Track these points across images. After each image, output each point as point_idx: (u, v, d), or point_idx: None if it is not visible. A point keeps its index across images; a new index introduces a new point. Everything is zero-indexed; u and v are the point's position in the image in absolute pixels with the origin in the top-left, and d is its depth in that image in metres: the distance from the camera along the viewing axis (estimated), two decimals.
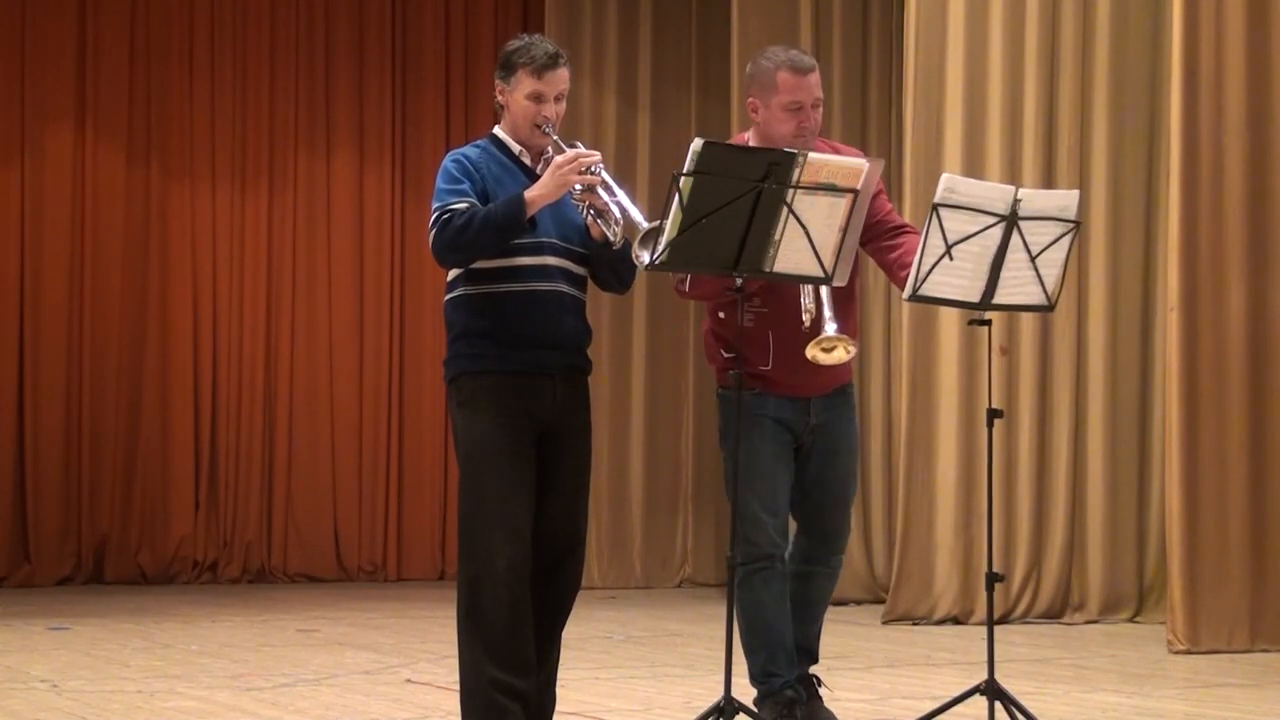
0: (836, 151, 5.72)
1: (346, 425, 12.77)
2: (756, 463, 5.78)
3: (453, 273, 5.27)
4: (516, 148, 5.32)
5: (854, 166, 5.30)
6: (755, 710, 5.63)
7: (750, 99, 5.86)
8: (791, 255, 5.27)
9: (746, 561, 5.76)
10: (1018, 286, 5.65)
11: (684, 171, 5.08)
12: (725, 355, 5.81)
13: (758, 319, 5.76)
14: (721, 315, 5.83)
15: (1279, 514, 8.71)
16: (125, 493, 12.29)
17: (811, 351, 5.49)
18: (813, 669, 6.04)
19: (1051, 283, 5.68)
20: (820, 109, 5.84)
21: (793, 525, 6.02)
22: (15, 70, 12.15)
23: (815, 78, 5.81)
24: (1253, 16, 8.72)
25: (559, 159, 5.15)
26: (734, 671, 5.32)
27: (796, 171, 5.18)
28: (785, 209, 5.21)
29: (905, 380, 9.96)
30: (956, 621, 9.76)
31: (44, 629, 9.38)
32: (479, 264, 5.19)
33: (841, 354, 5.51)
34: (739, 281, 5.29)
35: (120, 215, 12.36)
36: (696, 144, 5.10)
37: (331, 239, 12.82)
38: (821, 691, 6.04)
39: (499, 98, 5.33)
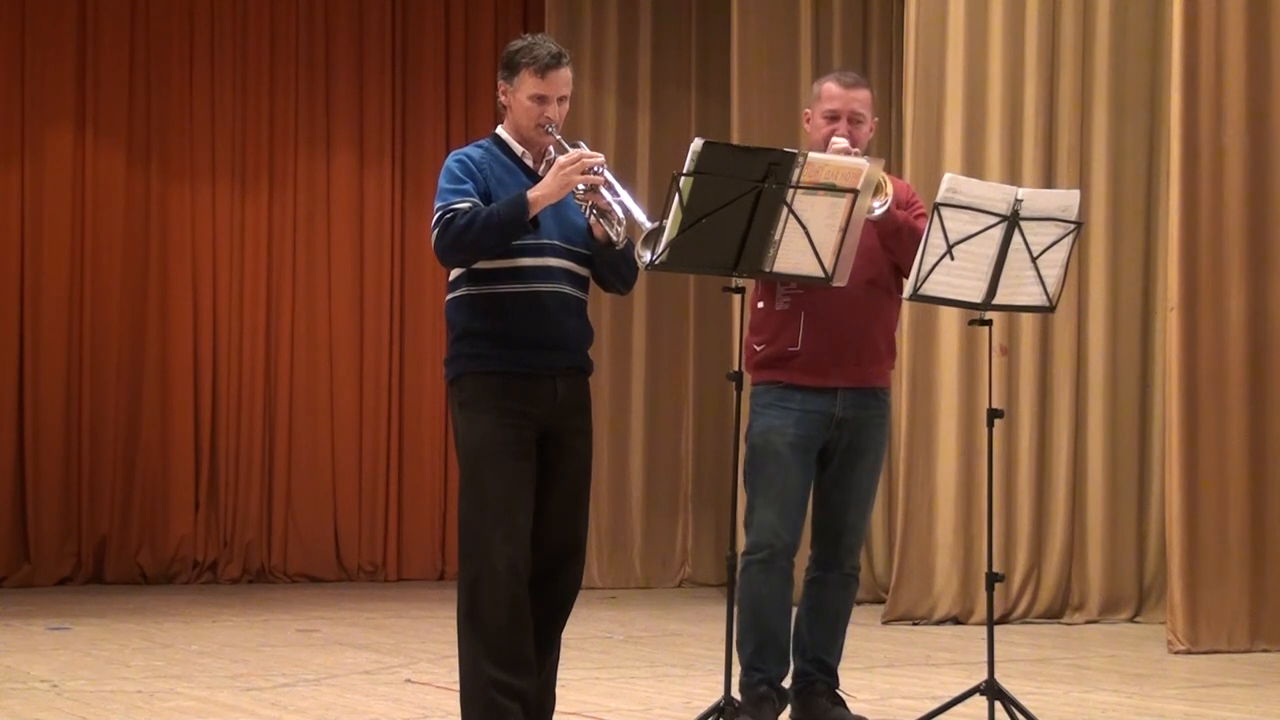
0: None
1: (346, 425, 12.77)
2: (774, 452, 5.80)
3: (455, 272, 5.27)
4: (519, 148, 5.32)
5: (854, 166, 5.32)
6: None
7: (805, 110, 6.09)
8: (791, 255, 5.28)
9: (749, 551, 5.82)
10: (1019, 287, 5.67)
11: (684, 171, 5.09)
12: (756, 348, 5.88)
13: (793, 300, 5.82)
14: (760, 305, 5.90)
15: (1279, 514, 8.71)
16: (125, 493, 12.29)
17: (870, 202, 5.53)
18: (840, 688, 6.04)
19: (1052, 283, 5.69)
20: (861, 126, 5.95)
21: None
22: (15, 71, 12.15)
23: (859, 94, 5.97)
24: (1253, 16, 8.72)
25: (562, 159, 5.15)
26: (734, 671, 5.32)
27: (796, 171, 5.19)
28: (785, 209, 5.21)
29: (905, 380, 9.95)
30: (956, 621, 9.76)
31: (44, 629, 9.38)
32: (481, 264, 5.18)
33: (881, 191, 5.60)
34: (735, 282, 5.31)
35: (120, 215, 12.36)
36: (696, 144, 5.11)
37: (331, 239, 12.82)
38: (849, 702, 6.06)
39: (502, 98, 5.33)
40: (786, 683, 5.93)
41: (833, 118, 5.92)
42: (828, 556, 5.99)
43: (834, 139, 5.83)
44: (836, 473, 5.94)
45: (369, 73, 12.90)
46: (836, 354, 5.83)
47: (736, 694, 5.38)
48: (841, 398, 5.88)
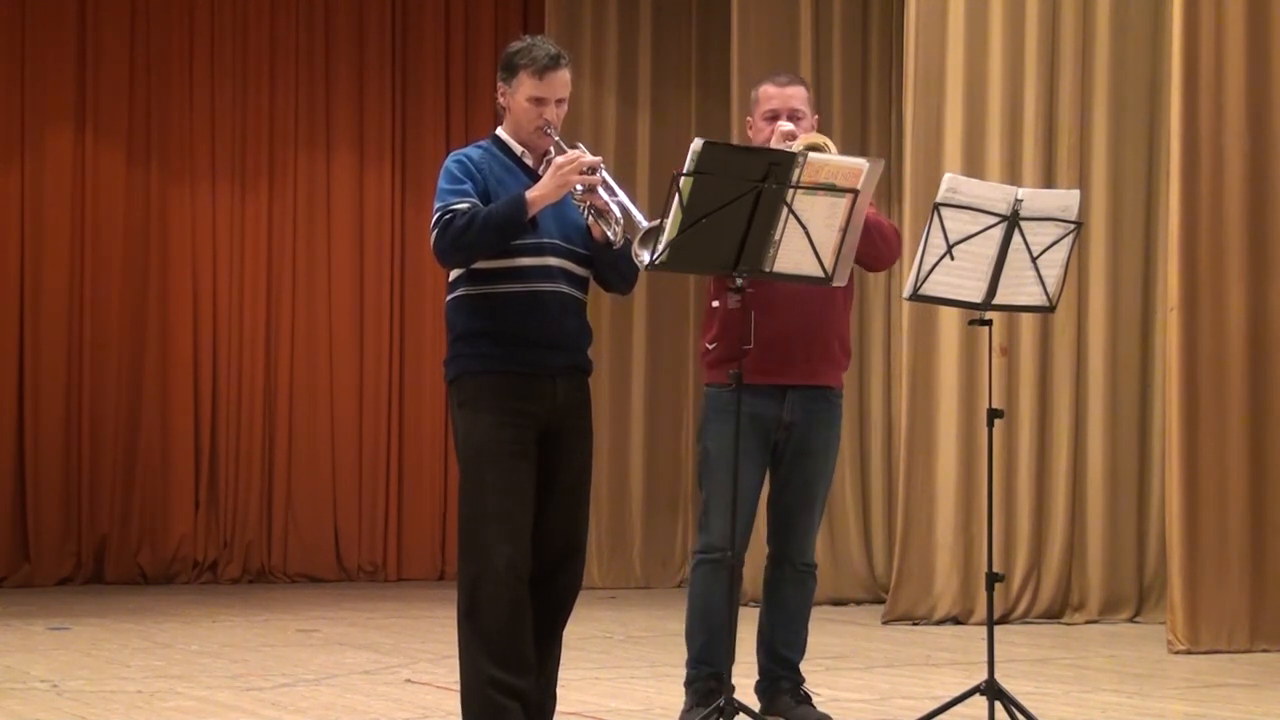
0: None
1: (346, 425, 12.77)
2: (724, 458, 5.83)
3: (454, 273, 5.27)
4: (519, 149, 5.32)
5: (854, 166, 5.32)
6: (753, 710, 5.64)
7: (747, 118, 6.17)
8: (791, 255, 5.28)
9: (703, 550, 5.92)
10: (1019, 287, 5.66)
11: (684, 171, 5.09)
12: (709, 346, 5.91)
13: (744, 298, 5.84)
14: (715, 304, 5.97)
15: (1279, 514, 8.71)
16: (125, 493, 12.29)
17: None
18: (805, 685, 6.06)
19: (1052, 283, 5.69)
20: (801, 123, 6.01)
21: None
22: (15, 71, 12.16)
23: (795, 91, 6.06)
24: (1253, 16, 8.71)
25: (559, 160, 5.16)
26: (734, 671, 5.33)
27: (796, 171, 5.19)
28: (785, 209, 5.21)
29: (905, 380, 9.95)
30: (956, 621, 9.75)
31: (44, 629, 9.38)
32: (481, 264, 5.19)
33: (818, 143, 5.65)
34: (739, 281, 5.31)
35: (120, 215, 12.37)
36: (696, 144, 5.11)
37: (331, 239, 12.83)
38: (816, 701, 6.07)
39: (501, 99, 5.34)
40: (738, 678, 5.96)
41: (773, 117, 6.01)
42: (782, 554, 6.07)
43: (779, 124, 5.89)
44: (787, 474, 6.01)
45: (369, 73, 12.91)
46: (787, 352, 5.87)
47: (738, 694, 5.38)
48: (790, 398, 5.91)
